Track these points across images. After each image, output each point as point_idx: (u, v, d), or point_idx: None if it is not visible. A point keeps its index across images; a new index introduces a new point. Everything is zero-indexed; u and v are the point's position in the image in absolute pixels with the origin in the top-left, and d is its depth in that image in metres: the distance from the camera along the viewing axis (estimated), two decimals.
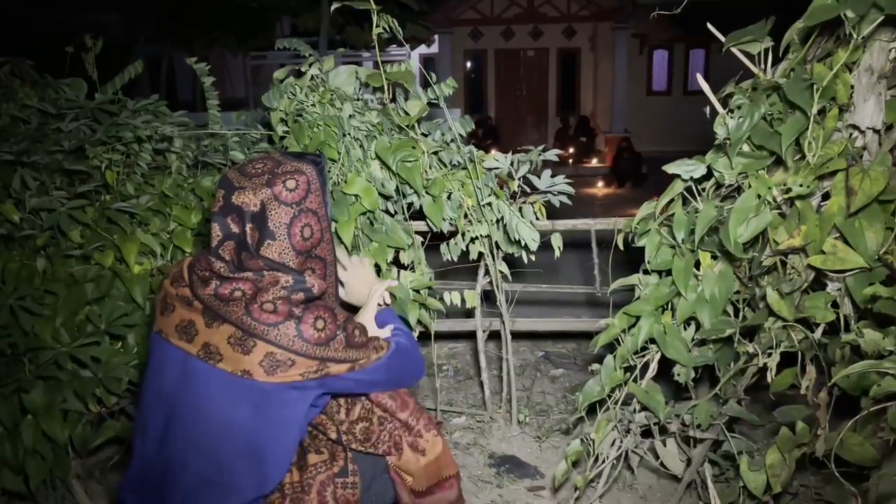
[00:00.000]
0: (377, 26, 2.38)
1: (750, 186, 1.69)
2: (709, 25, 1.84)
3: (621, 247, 2.23)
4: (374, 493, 1.76)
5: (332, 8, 2.37)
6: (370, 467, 1.74)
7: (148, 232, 2.31)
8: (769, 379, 1.84)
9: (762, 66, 1.79)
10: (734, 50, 1.80)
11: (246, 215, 1.45)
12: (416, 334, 2.02)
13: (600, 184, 12.00)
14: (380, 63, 2.49)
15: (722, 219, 1.77)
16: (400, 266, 2.53)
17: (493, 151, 2.58)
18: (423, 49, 15.54)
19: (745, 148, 1.73)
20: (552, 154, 2.51)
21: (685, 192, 1.97)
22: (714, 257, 1.94)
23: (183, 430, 1.46)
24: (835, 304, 1.70)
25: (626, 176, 11.95)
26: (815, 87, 1.48)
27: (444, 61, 15.31)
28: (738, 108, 1.69)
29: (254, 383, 1.42)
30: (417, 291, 2.47)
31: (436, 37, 15.05)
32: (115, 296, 2.26)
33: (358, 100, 2.62)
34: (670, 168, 1.84)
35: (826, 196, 1.70)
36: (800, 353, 1.79)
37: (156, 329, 1.53)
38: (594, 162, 14.00)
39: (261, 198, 1.45)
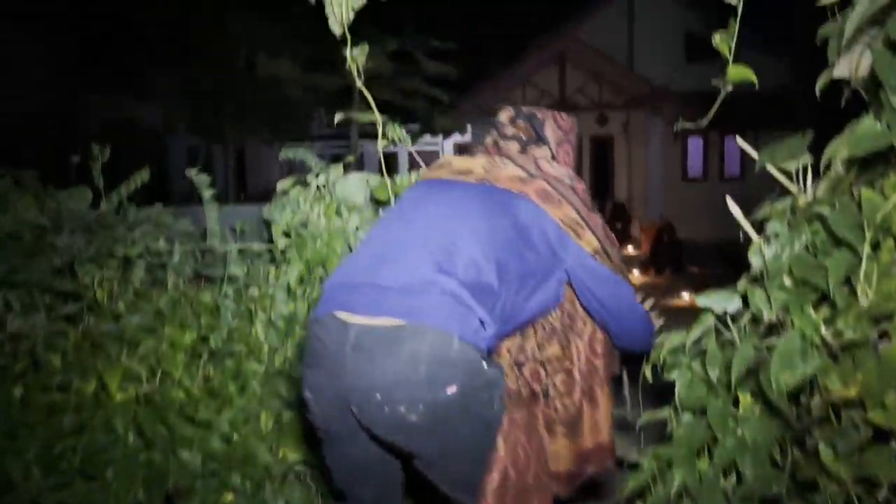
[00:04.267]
0: (384, 136, 2.27)
1: (793, 324, 1.47)
2: (739, 141, 1.66)
3: (650, 378, 1.99)
4: None
5: (338, 119, 2.27)
6: None
7: (135, 356, 2.15)
8: None
9: (801, 184, 1.60)
10: (769, 167, 1.61)
11: (531, 119, 1.80)
12: None
13: (636, 272, 11.70)
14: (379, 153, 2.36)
15: (762, 358, 1.54)
16: None
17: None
18: (456, 137, 15.73)
19: (786, 280, 1.52)
20: None
21: (718, 322, 1.75)
22: (755, 395, 1.70)
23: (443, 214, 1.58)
24: None
25: (664, 263, 11.65)
26: (866, 222, 1.28)
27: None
28: (776, 235, 1.49)
29: (529, 203, 1.59)
30: None
31: (469, 125, 15.25)
32: (96, 426, 2.09)
33: (369, 208, 2.49)
34: (700, 301, 1.63)
35: (884, 335, 1.47)
36: None
37: (419, 179, 1.82)
38: (630, 249, 13.75)
39: (544, 114, 1.82)
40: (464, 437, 1.50)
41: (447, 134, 14.15)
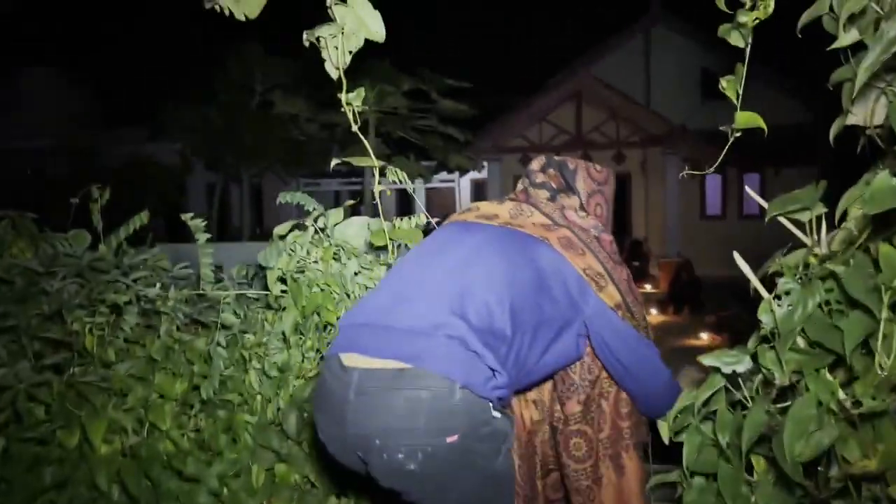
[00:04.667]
0: (383, 175, 2.22)
1: (807, 389, 1.36)
2: (749, 191, 1.58)
3: (665, 439, 1.88)
4: None
5: (335, 163, 2.21)
6: None
7: (121, 407, 2.08)
8: None
9: (815, 236, 1.51)
10: (781, 218, 1.52)
11: (562, 168, 1.79)
12: None
13: (654, 310, 11.50)
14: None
15: (775, 424, 1.44)
16: None
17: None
18: (473, 174, 15.73)
19: (800, 341, 1.42)
20: None
21: (728, 382, 1.64)
22: (769, 459, 1.58)
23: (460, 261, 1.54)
24: None
25: (683, 301, 11.45)
26: (883, 287, 1.18)
27: (493, 185, 15.45)
28: (787, 293, 1.39)
29: (551, 250, 1.56)
30: None
31: (485, 162, 15.24)
32: (79, 480, 2.01)
33: (368, 253, 2.42)
34: (706, 360, 1.53)
35: None
36: None
37: (447, 222, 1.78)
38: (648, 287, 13.56)
39: (576, 164, 1.81)
40: (465, 489, 1.43)
41: (463, 171, 14.13)
